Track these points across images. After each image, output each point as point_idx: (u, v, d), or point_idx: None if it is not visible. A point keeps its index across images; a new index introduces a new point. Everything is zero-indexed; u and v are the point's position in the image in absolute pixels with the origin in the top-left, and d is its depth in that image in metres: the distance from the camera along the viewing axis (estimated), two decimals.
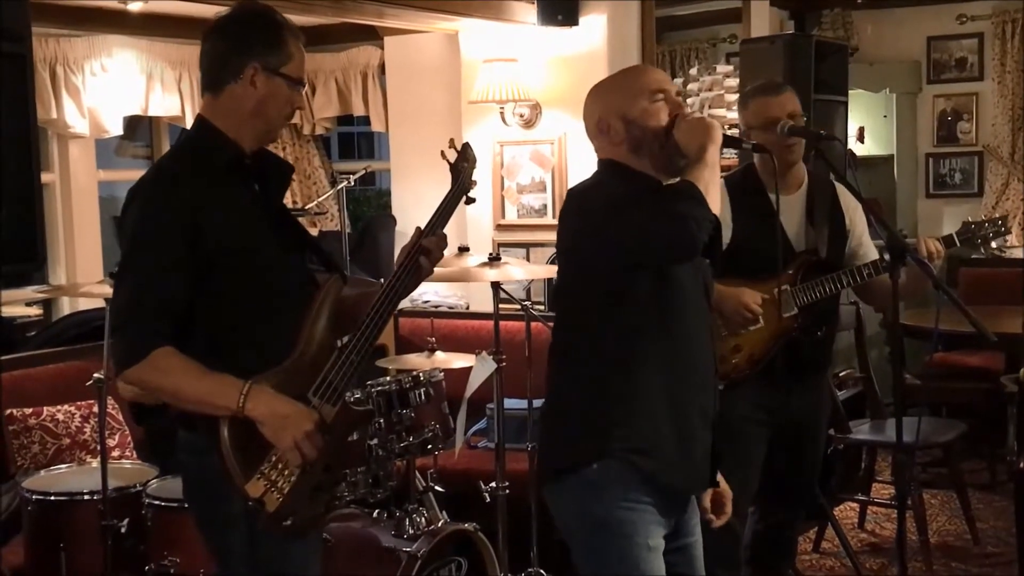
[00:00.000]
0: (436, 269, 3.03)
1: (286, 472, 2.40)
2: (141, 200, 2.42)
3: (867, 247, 3.62)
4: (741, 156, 3.62)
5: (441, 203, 2.72)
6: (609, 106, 2.57)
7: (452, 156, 2.82)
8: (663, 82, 2.58)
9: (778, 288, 3.34)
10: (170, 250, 2.36)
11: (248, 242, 2.45)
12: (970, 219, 3.53)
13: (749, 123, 3.50)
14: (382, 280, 2.76)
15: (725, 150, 5.57)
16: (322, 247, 2.72)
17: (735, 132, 3.26)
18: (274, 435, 2.36)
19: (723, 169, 5.38)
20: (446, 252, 2.70)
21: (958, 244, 3.48)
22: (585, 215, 2.50)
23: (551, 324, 2.74)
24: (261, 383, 2.38)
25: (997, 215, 3.51)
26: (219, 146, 2.49)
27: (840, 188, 3.62)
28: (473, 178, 2.81)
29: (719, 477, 2.68)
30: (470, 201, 2.83)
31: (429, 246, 2.60)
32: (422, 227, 2.64)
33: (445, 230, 2.67)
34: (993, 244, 3.50)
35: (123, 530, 3.67)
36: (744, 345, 3.49)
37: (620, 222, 2.41)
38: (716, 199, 2.43)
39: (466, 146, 2.84)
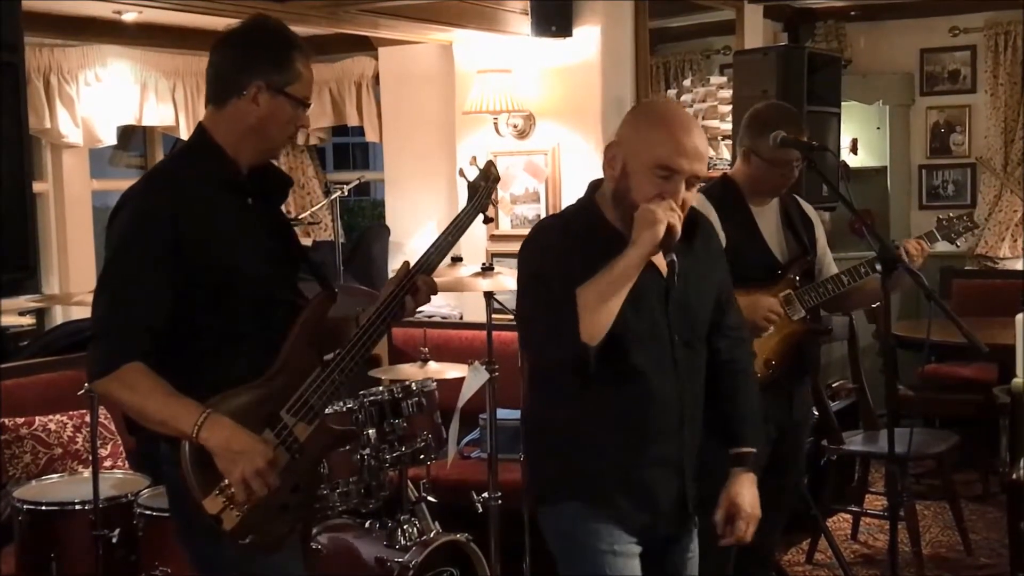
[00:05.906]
0: None
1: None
2: (127, 210, 2.40)
3: (830, 258, 3.72)
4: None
5: (455, 219, 2.69)
6: (627, 141, 2.44)
7: (472, 174, 2.80)
8: (681, 158, 2.35)
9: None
10: (152, 264, 2.34)
11: (230, 260, 2.42)
12: (941, 216, 3.67)
13: (760, 147, 3.45)
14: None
15: (721, 161, 5.58)
16: (315, 261, 2.68)
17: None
18: (225, 468, 2.34)
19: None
20: (441, 263, 2.68)
21: (939, 239, 3.63)
22: (520, 267, 2.53)
23: None
24: (221, 412, 2.34)
25: (963, 213, 3.75)
26: (215, 161, 2.46)
27: (802, 200, 3.75)
28: (494, 196, 2.80)
29: (746, 495, 2.56)
30: (488, 220, 2.80)
31: (420, 285, 2.58)
32: (411, 263, 2.61)
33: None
34: (961, 240, 3.74)
35: (114, 540, 3.66)
36: (757, 351, 3.51)
37: (523, 301, 2.49)
38: (615, 296, 2.33)
39: (489, 164, 2.81)
